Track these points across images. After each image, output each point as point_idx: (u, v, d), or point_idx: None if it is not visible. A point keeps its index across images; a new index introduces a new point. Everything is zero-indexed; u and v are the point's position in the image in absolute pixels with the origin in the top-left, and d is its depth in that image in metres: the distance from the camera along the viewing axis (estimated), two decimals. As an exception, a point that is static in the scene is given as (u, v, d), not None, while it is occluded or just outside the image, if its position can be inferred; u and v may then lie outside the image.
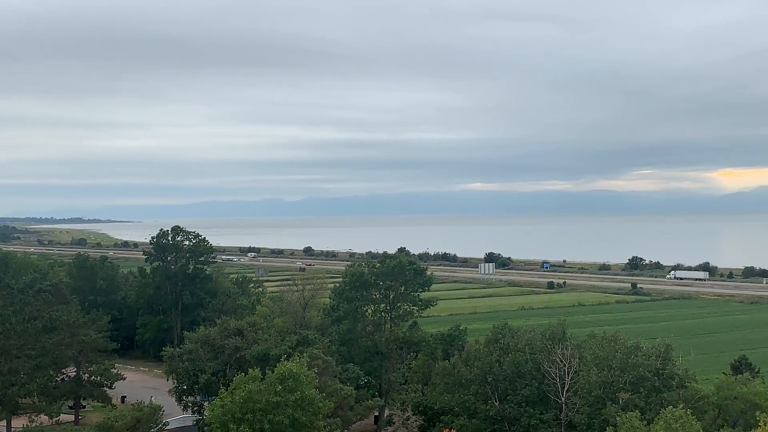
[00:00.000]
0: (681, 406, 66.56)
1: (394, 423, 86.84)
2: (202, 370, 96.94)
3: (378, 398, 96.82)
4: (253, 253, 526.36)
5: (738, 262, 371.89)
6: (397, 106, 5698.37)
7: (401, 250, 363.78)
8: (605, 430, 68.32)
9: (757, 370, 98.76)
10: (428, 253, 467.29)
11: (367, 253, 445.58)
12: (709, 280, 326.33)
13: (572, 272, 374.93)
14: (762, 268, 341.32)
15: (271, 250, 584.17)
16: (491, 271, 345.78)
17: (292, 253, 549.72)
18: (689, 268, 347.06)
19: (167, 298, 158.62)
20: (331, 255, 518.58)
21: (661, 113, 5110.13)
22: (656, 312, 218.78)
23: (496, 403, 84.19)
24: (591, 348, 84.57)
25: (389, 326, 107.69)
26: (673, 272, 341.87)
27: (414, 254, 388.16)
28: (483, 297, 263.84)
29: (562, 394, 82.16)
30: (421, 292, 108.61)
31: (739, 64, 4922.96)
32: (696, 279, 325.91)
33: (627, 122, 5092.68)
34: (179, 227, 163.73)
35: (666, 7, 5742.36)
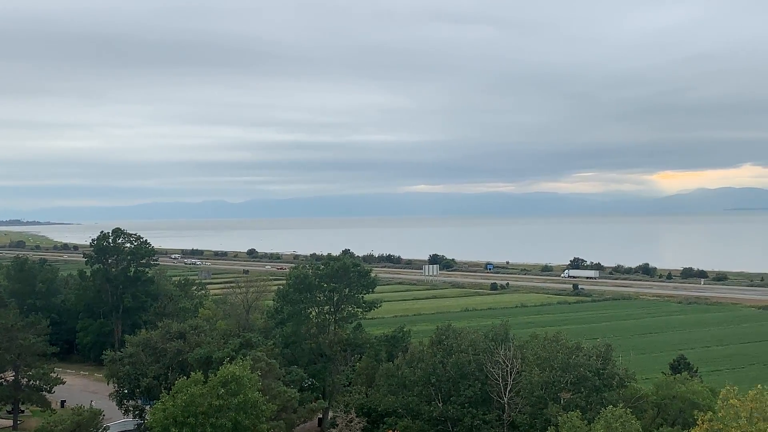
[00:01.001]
0: (621, 405, 67.38)
1: (337, 425, 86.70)
2: (143, 373, 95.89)
3: (322, 400, 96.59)
4: (194, 260, 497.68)
5: (677, 263, 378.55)
6: (342, 108, 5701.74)
7: (345, 251, 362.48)
8: (547, 429, 69.01)
9: (695, 369, 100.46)
10: (372, 255, 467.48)
11: (311, 255, 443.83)
12: (600, 278, 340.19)
13: (515, 273, 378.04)
14: (700, 269, 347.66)
15: (214, 252, 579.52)
16: (435, 273, 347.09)
17: (236, 255, 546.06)
18: (585, 268, 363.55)
19: (108, 301, 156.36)
20: (275, 257, 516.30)
21: (603, 116, 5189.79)
22: (597, 312, 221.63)
23: (440, 404, 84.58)
24: (533, 348, 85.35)
25: (333, 328, 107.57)
26: (566, 271, 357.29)
27: (358, 256, 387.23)
28: (427, 298, 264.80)
29: (505, 395, 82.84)
30: (365, 293, 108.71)
31: (678, 69, 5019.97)
32: (587, 278, 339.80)
33: (569, 125, 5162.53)
34: (120, 229, 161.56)
35: (607, 11, 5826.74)
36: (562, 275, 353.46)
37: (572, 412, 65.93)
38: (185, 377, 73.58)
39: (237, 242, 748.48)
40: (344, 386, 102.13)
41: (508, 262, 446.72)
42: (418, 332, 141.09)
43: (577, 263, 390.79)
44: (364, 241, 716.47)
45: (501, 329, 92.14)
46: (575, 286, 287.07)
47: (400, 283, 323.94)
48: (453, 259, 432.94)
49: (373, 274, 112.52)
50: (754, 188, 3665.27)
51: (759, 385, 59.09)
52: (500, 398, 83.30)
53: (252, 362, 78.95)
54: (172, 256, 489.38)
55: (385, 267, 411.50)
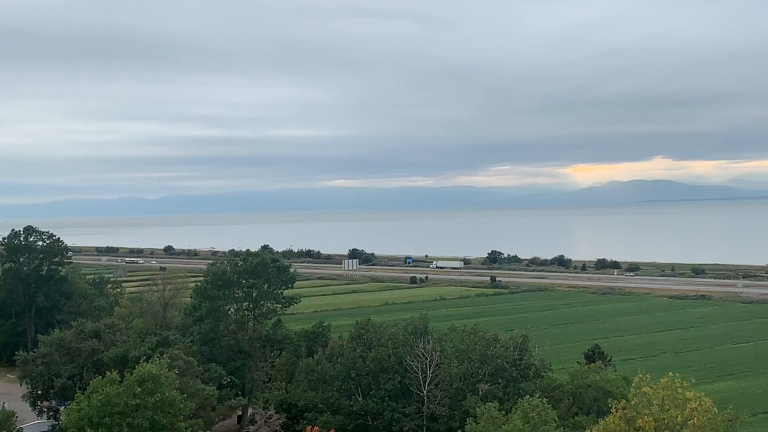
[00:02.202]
0: (538, 395, 68.52)
1: (256, 422, 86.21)
2: (57, 374, 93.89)
3: (241, 397, 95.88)
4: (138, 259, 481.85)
5: (591, 255, 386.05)
6: (260, 103, 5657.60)
7: (264, 247, 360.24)
8: (465, 421, 69.68)
9: (608, 358, 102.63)
10: (292, 251, 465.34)
11: (229, 251, 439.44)
12: (464, 268, 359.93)
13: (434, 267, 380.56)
14: (613, 260, 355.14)
15: (129, 249, 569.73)
16: (355, 267, 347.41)
17: (152, 253, 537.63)
18: (448, 259, 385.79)
19: (20, 300, 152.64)
20: (192, 254, 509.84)
21: (520, 110, 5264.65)
22: (514, 304, 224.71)
23: (360, 398, 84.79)
24: (452, 341, 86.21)
25: (252, 325, 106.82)
26: (435, 262, 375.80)
27: (277, 252, 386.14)
28: (347, 293, 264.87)
29: (424, 387, 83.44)
30: (284, 289, 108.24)
31: (593, 63, 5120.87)
32: (453, 268, 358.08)
33: (487, 119, 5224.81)
34: (32, 227, 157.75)
35: (524, 6, 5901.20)
36: (431, 266, 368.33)
37: (490, 403, 66.69)
38: (100, 377, 72.24)
39: (154, 239, 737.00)
40: (264, 383, 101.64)
41: (427, 256, 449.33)
42: (338, 327, 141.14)
43: (494, 256, 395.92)
44: (283, 236, 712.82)
45: (420, 323, 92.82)
46: (493, 279, 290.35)
47: (319, 278, 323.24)
48: (372, 254, 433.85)
49: (292, 270, 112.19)
50: (664, 180, 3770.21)
51: (670, 373, 60.59)
52: (420, 391, 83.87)
53: (169, 360, 77.89)
54: (125, 259, 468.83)
55: (304, 262, 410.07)
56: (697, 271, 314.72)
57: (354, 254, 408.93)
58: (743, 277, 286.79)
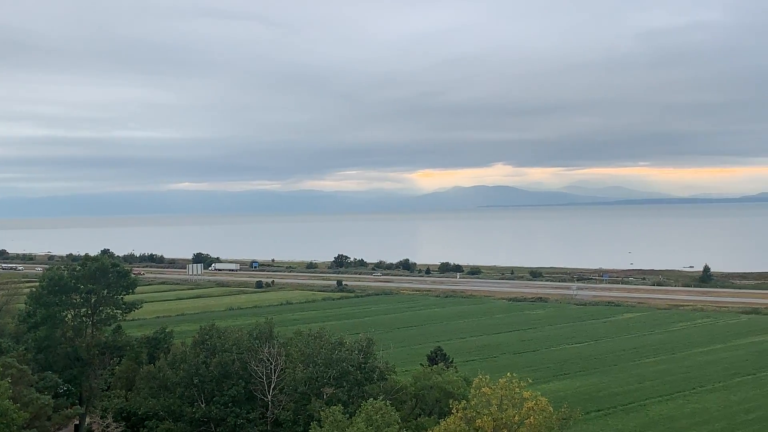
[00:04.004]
0: (381, 397, 69.19)
1: (93, 431, 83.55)
2: None
3: (78, 406, 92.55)
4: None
5: (435, 259, 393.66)
6: (103, 103, 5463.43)
7: (105, 251, 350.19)
8: (310, 425, 69.71)
9: (450, 360, 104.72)
10: (134, 255, 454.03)
11: (67, 255, 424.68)
12: (241, 270, 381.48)
13: (280, 271, 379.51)
14: (456, 263, 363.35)
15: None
16: (200, 272, 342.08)
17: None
18: (228, 261, 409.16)
19: None
20: (28, 258, 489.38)
21: (367, 116, 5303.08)
22: (360, 308, 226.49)
23: (203, 405, 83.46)
24: (297, 345, 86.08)
25: (91, 331, 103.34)
26: (213, 265, 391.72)
27: (118, 256, 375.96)
28: (191, 298, 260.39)
29: (269, 392, 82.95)
30: (125, 294, 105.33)
31: (439, 72, 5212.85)
32: (230, 270, 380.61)
33: (335, 124, 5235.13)
34: None
35: (370, 14, 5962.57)
36: (210, 268, 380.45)
37: (334, 407, 66.96)
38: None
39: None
40: (102, 391, 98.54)
41: (273, 260, 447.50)
42: (182, 333, 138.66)
43: (340, 260, 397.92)
44: (125, 240, 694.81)
45: (265, 327, 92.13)
46: (339, 283, 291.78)
47: (163, 283, 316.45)
48: (218, 258, 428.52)
49: (133, 274, 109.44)
50: (504, 186, 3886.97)
51: (509, 374, 62.48)
52: (264, 396, 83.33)
53: (1, 369, 74.60)
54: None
55: (147, 267, 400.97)
56: (535, 274, 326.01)
57: (199, 259, 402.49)
58: (577, 280, 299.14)
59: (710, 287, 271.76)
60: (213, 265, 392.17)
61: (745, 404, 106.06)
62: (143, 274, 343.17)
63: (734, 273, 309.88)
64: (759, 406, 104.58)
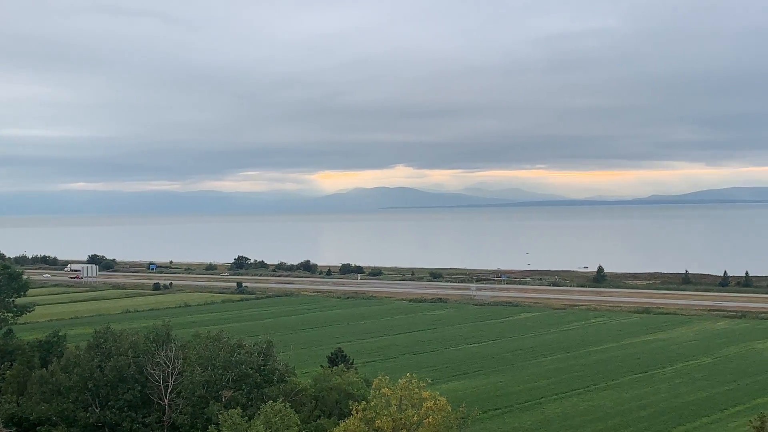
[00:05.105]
0: (281, 400, 68.92)
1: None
2: None
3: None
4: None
5: (336, 260, 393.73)
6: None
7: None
8: (208, 428, 68.93)
9: (351, 361, 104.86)
10: (26, 257, 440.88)
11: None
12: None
13: (179, 273, 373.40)
14: (357, 264, 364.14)
15: None
16: (95, 274, 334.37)
17: None
18: (81, 262, 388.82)
19: None
20: None
21: (269, 116, 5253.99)
22: (261, 310, 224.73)
23: (97, 410, 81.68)
24: (196, 348, 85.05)
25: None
26: (68, 266, 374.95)
27: (9, 258, 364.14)
28: (86, 301, 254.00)
29: (166, 396, 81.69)
30: (16, 297, 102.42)
31: (342, 73, 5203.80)
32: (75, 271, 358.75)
33: (236, 124, 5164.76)
34: None
35: (271, 13, 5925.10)
36: (65, 269, 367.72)
37: (233, 410, 66.39)
38: None
39: None
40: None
41: (171, 262, 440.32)
42: (76, 336, 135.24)
43: (241, 261, 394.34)
44: (17, 241, 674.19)
45: (163, 330, 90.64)
46: (239, 284, 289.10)
47: (56, 286, 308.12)
48: (114, 260, 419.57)
49: (25, 277, 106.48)
50: (406, 188, 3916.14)
51: (408, 374, 63.00)
52: (161, 400, 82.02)
53: None
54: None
55: (40, 269, 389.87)
56: (435, 275, 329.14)
57: (94, 260, 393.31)
58: (476, 281, 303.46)
59: (604, 287, 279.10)
60: (67, 266, 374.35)
61: (637, 401, 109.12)
62: (81, 277, 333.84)
63: (627, 273, 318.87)
64: (650, 403, 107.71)
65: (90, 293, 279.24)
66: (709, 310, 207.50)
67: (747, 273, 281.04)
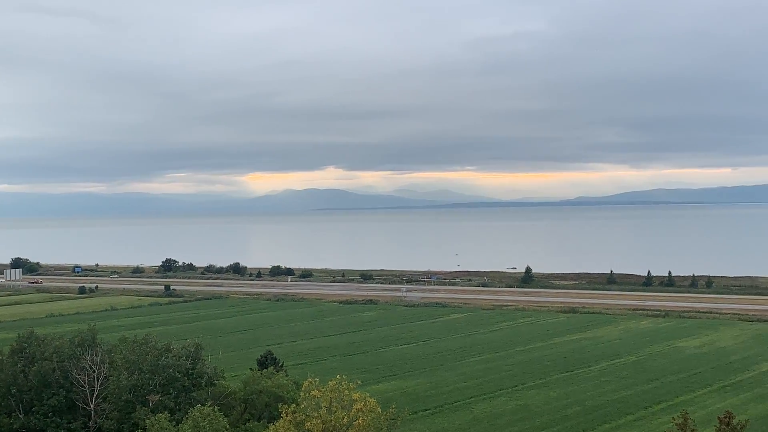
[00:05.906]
0: (209, 403, 68.38)
1: None
2: None
3: None
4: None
5: (266, 262, 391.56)
6: None
7: None
8: (135, 433, 68.15)
9: (281, 363, 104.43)
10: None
11: None
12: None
13: (105, 276, 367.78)
14: (287, 266, 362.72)
15: None
16: (18, 278, 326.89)
17: None
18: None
19: None
20: None
21: (197, 117, 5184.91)
22: (189, 313, 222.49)
23: (21, 416, 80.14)
24: (122, 352, 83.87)
25: None
26: None
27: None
28: (8, 305, 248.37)
29: (92, 401, 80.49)
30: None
31: (272, 73, 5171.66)
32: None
33: (163, 125, 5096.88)
34: None
35: (200, 13, 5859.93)
36: None
37: (160, 414, 65.71)
38: None
39: None
40: None
41: (97, 265, 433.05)
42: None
43: (169, 264, 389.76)
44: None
45: (88, 334, 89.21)
46: (167, 287, 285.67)
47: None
48: (38, 263, 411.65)
49: (29, 283, 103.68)
50: (336, 189, 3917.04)
51: (338, 376, 63.03)
52: (87, 405, 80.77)
53: None
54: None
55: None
56: (365, 276, 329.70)
57: (17, 263, 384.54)
58: (407, 282, 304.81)
59: (531, 287, 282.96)
60: None
61: (563, 399, 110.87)
62: (41, 282, 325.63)
63: (554, 274, 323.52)
64: (576, 401, 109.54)
65: (13, 297, 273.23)
66: (633, 310, 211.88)
67: (669, 273, 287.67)
